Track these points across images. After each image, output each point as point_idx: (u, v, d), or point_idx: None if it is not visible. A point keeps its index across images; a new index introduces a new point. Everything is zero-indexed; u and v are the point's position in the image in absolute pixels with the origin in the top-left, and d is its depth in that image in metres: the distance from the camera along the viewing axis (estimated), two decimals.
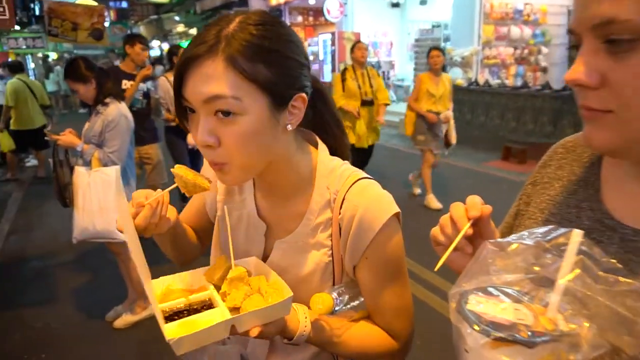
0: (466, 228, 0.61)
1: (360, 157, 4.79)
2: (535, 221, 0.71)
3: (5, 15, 2.61)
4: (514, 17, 8.66)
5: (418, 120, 4.84)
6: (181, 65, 0.71)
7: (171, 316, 0.75)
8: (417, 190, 5.24)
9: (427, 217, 4.52)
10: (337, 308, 0.82)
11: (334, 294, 0.82)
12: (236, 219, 0.93)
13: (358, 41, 5.13)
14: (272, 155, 0.79)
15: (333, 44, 11.20)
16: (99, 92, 2.76)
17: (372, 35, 12.23)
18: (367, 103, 4.77)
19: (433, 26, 10.13)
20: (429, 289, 3.19)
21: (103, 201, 2.64)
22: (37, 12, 12.15)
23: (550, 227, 0.53)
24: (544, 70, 9.18)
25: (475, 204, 0.63)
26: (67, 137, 2.70)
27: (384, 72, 11.26)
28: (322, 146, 0.89)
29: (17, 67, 6.69)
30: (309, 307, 0.80)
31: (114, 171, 2.68)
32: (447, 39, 9.69)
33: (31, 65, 16.57)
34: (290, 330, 0.77)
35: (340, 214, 0.83)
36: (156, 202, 0.78)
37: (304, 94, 0.77)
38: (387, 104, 4.96)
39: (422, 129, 4.82)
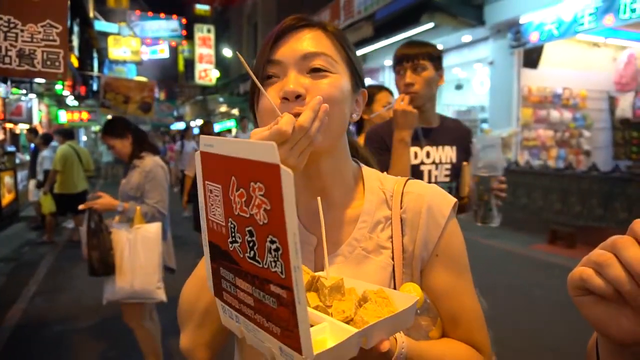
0: None
1: None
2: None
3: (59, 69, 2.75)
4: (553, 101, 8.62)
5: None
6: (279, 31, 0.75)
7: None
8: None
9: None
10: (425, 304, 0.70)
11: None
12: None
13: None
14: (341, 137, 0.78)
15: None
16: (135, 148, 2.79)
17: None
18: None
19: (469, 108, 10.25)
20: None
21: (143, 259, 2.55)
22: (94, 88, 13.16)
23: None
24: (587, 153, 8.94)
25: None
26: (103, 200, 2.62)
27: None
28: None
29: (69, 134, 7.06)
30: None
31: (155, 227, 2.62)
32: (484, 121, 9.72)
33: (83, 138, 17.68)
34: (390, 349, 0.60)
35: (401, 207, 0.78)
36: (319, 105, 0.67)
37: (365, 91, 0.83)
38: None
39: None
